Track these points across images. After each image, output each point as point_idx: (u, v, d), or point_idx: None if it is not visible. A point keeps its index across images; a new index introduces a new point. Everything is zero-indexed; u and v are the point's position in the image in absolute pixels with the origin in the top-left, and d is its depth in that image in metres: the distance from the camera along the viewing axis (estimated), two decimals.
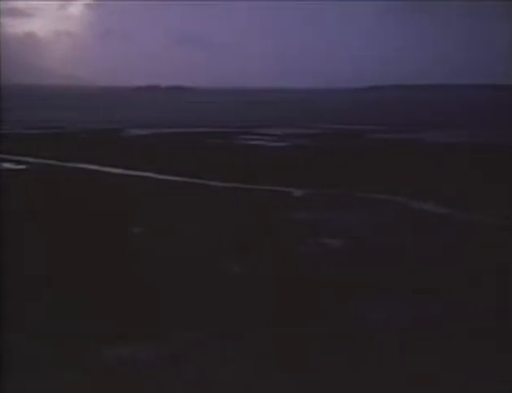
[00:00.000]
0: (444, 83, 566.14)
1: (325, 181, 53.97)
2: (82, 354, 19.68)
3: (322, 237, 34.71)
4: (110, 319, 22.43)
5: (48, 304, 23.75)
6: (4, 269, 26.70)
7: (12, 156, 67.38)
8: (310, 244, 33.14)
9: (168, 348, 20.32)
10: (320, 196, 48.06)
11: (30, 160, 66.13)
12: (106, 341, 20.63)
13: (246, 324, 22.23)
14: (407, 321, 22.68)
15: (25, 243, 32.03)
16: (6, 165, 61.50)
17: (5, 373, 18.22)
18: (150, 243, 32.90)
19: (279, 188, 50.67)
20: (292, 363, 19.30)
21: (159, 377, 18.41)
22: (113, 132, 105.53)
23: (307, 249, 32.16)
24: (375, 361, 19.45)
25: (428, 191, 49.03)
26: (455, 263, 29.71)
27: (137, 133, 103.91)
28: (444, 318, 22.99)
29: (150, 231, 35.68)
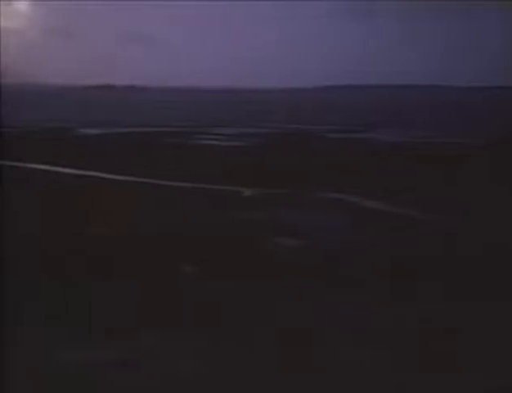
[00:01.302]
0: (406, 84, 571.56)
1: (278, 180, 54.03)
2: (33, 356, 19.34)
3: (275, 236, 34.73)
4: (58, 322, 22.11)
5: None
6: None
7: None
8: (263, 243, 33.09)
9: (120, 351, 20.08)
10: (272, 195, 48.11)
11: None
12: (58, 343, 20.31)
13: (201, 326, 22.08)
14: (362, 321, 22.77)
15: None
16: None
17: None
18: (102, 244, 32.54)
19: (232, 188, 50.57)
20: (247, 362, 19.23)
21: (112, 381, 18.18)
22: (65, 131, 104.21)
23: (260, 247, 32.11)
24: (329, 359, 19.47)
25: (382, 191, 49.36)
26: (408, 261, 29.95)
27: (91, 133, 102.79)
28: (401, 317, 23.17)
29: (102, 231, 35.31)
